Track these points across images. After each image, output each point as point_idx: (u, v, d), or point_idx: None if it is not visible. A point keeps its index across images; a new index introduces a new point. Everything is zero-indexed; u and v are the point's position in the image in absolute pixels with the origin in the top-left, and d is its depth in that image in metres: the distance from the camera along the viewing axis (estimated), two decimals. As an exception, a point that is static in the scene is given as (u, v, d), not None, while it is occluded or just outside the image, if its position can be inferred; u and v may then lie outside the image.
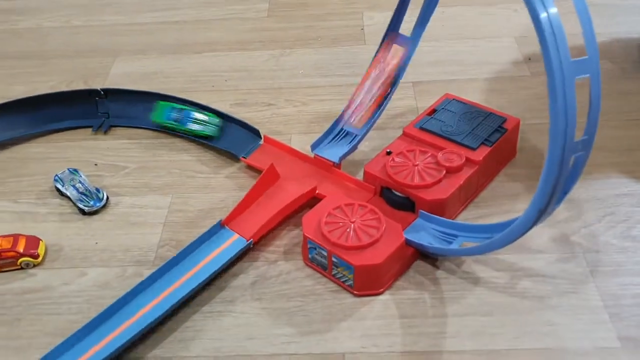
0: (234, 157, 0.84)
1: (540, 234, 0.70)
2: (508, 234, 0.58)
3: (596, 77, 0.50)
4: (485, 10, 1.12)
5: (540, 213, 0.54)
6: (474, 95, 0.88)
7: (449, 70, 0.98)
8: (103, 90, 0.92)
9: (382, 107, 0.79)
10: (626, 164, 0.79)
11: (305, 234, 0.67)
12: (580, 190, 0.75)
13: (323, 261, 0.67)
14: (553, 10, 0.48)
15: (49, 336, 0.64)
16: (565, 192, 0.57)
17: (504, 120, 0.77)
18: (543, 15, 0.47)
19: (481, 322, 0.63)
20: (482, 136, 0.75)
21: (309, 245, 0.68)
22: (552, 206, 0.55)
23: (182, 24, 1.15)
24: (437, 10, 1.10)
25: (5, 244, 0.70)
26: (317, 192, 0.76)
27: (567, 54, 0.48)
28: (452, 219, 0.71)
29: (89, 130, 0.91)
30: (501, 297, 0.65)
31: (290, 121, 0.91)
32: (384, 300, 0.65)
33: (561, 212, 0.73)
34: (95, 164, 0.85)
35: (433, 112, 0.81)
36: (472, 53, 1.02)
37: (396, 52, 0.79)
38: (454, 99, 0.82)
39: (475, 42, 1.04)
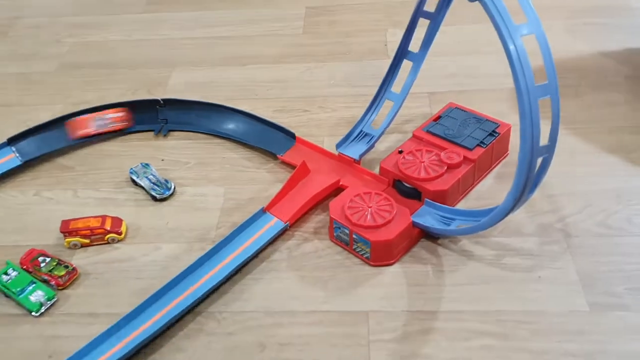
0: (272, 155, 1.00)
1: (530, 222, 0.85)
2: (492, 217, 0.73)
3: (555, 97, 0.64)
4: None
5: (515, 201, 0.69)
6: (481, 104, 1.01)
7: (461, 82, 1.12)
8: (162, 100, 1.08)
9: (395, 113, 0.94)
10: (606, 164, 0.93)
11: (332, 216, 0.83)
12: (565, 186, 0.89)
13: (346, 238, 0.82)
14: (519, 42, 0.61)
15: (133, 295, 0.80)
16: (535, 185, 0.71)
17: (497, 125, 0.91)
18: (511, 47, 0.61)
19: (478, 290, 0.77)
20: (477, 139, 0.89)
21: (334, 225, 0.83)
22: (526, 196, 0.69)
23: (229, 39, 1.30)
24: (453, 28, 1.26)
25: (95, 223, 0.87)
26: (340, 183, 0.91)
27: (532, 79, 0.61)
28: (452, 207, 0.85)
29: (152, 133, 1.08)
30: (495, 270, 0.79)
31: (323, 125, 1.06)
32: (398, 272, 0.80)
33: (548, 204, 0.87)
34: (162, 160, 1.01)
35: (438, 118, 0.95)
36: (481, 67, 1.15)
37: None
38: (456, 107, 0.96)
39: (485, 57, 1.17)
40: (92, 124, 1.03)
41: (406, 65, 0.93)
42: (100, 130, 1.04)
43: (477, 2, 0.64)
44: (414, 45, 0.91)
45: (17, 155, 1.01)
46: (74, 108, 1.08)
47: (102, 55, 1.30)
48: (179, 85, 1.18)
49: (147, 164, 0.97)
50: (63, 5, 1.49)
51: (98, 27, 1.39)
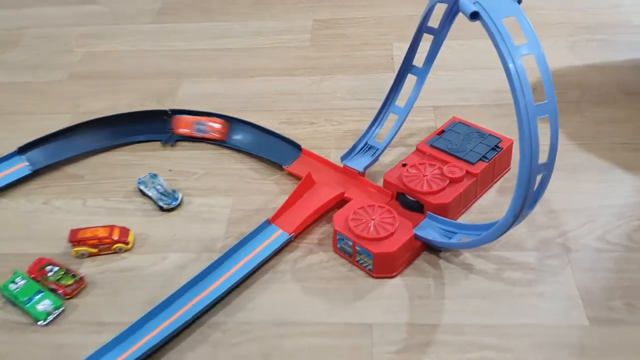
0: (279, 166, 1.01)
1: (531, 236, 0.86)
2: (492, 231, 0.75)
3: (554, 116, 0.65)
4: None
5: (515, 217, 0.70)
6: (485, 119, 1.03)
7: (465, 97, 1.14)
8: (170, 110, 1.11)
9: (399, 127, 0.95)
10: (607, 181, 0.94)
11: (336, 228, 0.84)
12: (566, 202, 0.91)
13: (349, 250, 0.84)
14: (518, 62, 0.62)
15: (140, 305, 0.81)
16: (535, 201, 0.73)
17: (500, 140, 0.93)
18: (511, 66, 0.62)
19: (479, 303, 0.79)
20: (480, 153, 0.90)
21: (338, 237, 0.85)
22: (525, 212, 0.71)
23: (236, 51, 1.33)
24: (457, 43, 1.28)
25: (103, 233, 0.88)
26: (345, 195, 0.93)
27: (531, 98, 0.62)
28: (454, 220, 0.87)
29: (159, 143, 1.09)
30: (496, 284, 0.81)
31: (329, 137, 1.08)
32: (400, 284, 0.82)
33: (549, 219, 0.89)
34: (170, 170, 1.03)
35: (442, 132, 0.96)
36: (485, 82, 1.17)
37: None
38: (459, 122, 0.98)
39: (489, 72, 1.19)
40: (193, 127, 1.09)
41: (411, 79, 0.95)
42: (197, 135, 1.09)
43: (478, 21, 0.65)
44: (419, 60, 0.93)
45: (27, 164, 1.03)
46: (83, 117, 1.10)
47: (111, 65, 1.32)
48: (188, 96, 1.20)
49: (155, 175, 0.99)
50: (69, 16, 1.52)
51: (106, 38, 1.41)
